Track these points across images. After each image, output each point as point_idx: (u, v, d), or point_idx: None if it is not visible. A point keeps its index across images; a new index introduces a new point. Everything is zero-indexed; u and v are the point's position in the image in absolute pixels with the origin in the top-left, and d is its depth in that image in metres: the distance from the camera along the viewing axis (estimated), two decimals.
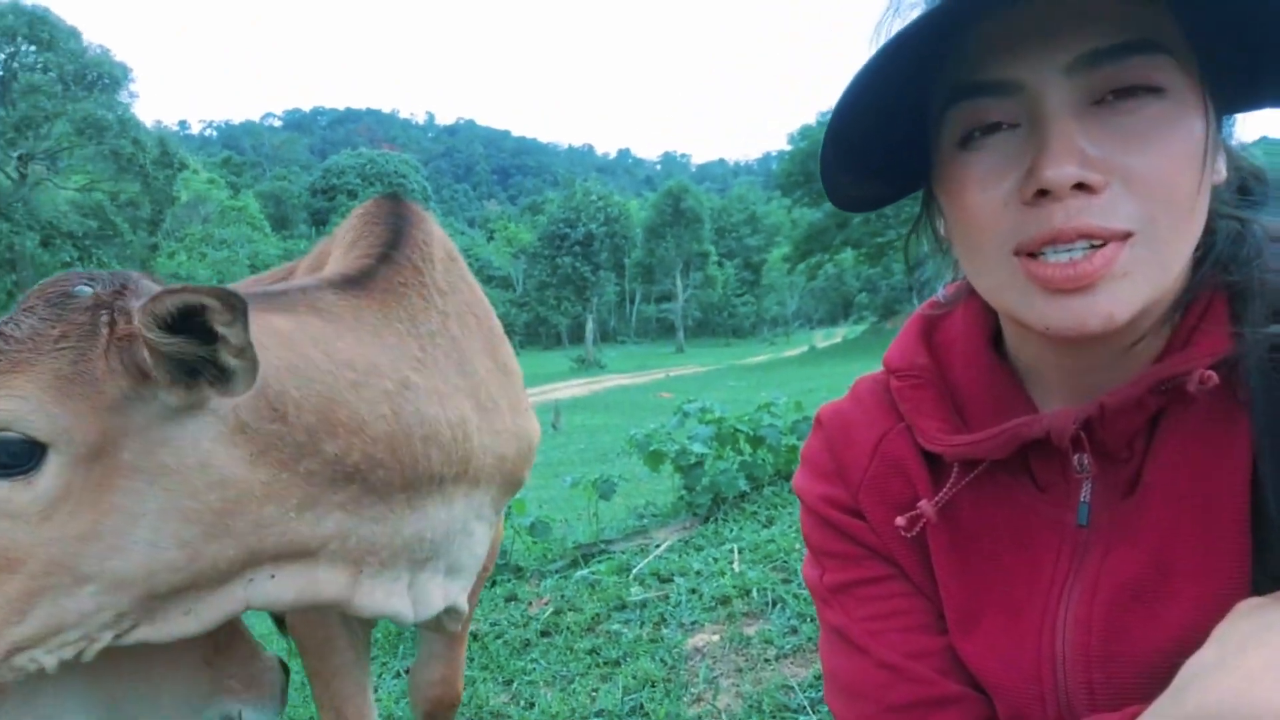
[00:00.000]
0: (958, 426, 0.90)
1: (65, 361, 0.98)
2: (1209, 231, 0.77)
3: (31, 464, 0.96)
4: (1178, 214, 0.71)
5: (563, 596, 3.76)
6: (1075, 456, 0.80)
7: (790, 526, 4.12)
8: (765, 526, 4.24)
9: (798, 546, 3.81)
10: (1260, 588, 0.70)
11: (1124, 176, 0.70)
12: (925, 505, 0.87)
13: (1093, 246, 0.70)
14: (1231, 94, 0.76)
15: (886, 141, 0.80)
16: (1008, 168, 0.74)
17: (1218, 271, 0.77)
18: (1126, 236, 0.70)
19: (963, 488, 0.88)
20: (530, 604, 3.77)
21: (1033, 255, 0.73)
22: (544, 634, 3.42)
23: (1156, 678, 0.70)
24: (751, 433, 4.82)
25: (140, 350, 1.00)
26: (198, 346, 0.99)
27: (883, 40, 0.72)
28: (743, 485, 4.61)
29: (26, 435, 0.96)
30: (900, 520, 0.88)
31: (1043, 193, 0.70)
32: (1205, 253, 0.78)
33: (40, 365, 0.97)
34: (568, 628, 3.41)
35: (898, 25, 0.74)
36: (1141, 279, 0.71)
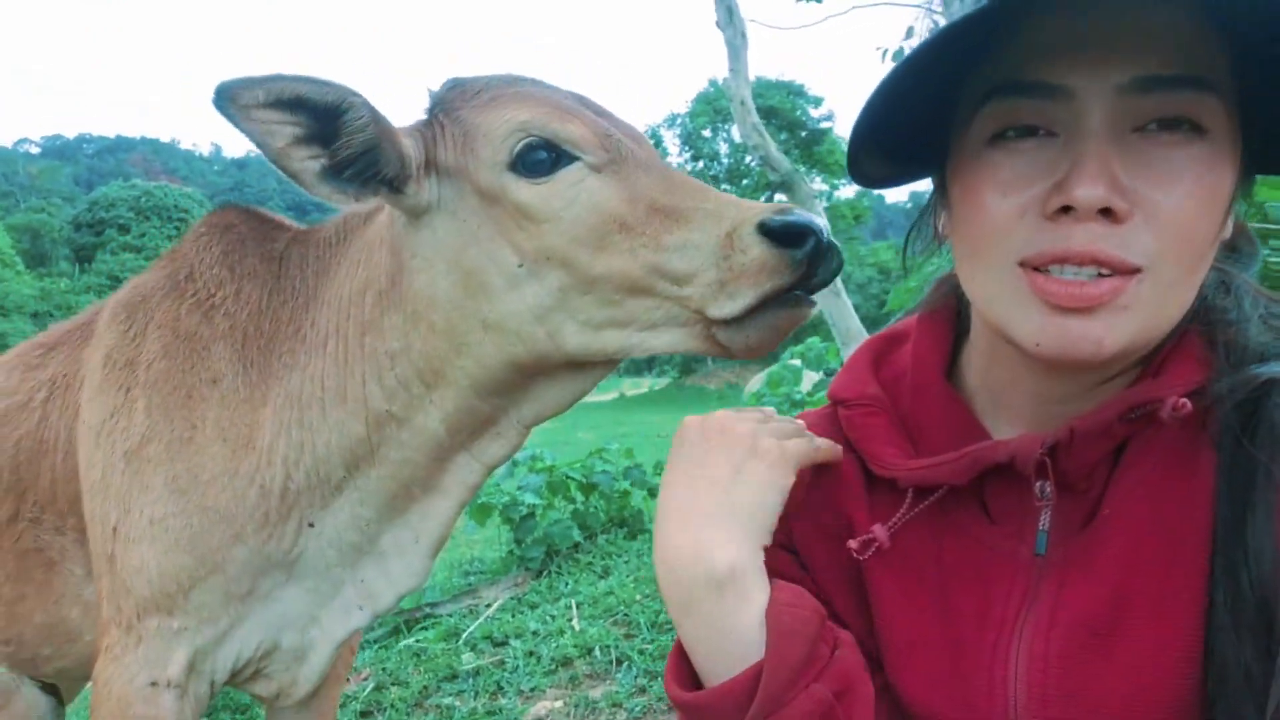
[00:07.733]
0: (912, 453, 0.88)
1: None
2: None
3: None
4: (1189, 260, 0.71)
5: (384, 670, 3.39)
6: (1038, 484, 0.79)
7: (628, 576, 3.98)
8: (602, 578, 4.07)
9: (638, 598, 3.68)
10: (1216, 623, 0.70)
11: (1148, 211, 0.68)
12: (879, 530, 0.85)
13: (1100, 274, 0.69)
14: (1262, 155, 0.76)
15: (908, 124, 0.77)
16: (1034, 177, 0.71)
17: (1199, 320, 0.78)
18: (1135, 272, 0.69)
19: (911, 517, 0.85)
20: (347, 680, 3.37)
21: (1038, 270, 0.71)
22: (364, 714, 3.07)
23: (1113, 717, 0.71)
24: (584, 480, 4.67)
25: None
26: None
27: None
28: (576, 535, 4.44)
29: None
30: (853, 544, 0.85)
31: (1066, 209, 0.69)
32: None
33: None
34: (392, 705, 3.07)
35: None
36: (1138, 316, 0.70)
